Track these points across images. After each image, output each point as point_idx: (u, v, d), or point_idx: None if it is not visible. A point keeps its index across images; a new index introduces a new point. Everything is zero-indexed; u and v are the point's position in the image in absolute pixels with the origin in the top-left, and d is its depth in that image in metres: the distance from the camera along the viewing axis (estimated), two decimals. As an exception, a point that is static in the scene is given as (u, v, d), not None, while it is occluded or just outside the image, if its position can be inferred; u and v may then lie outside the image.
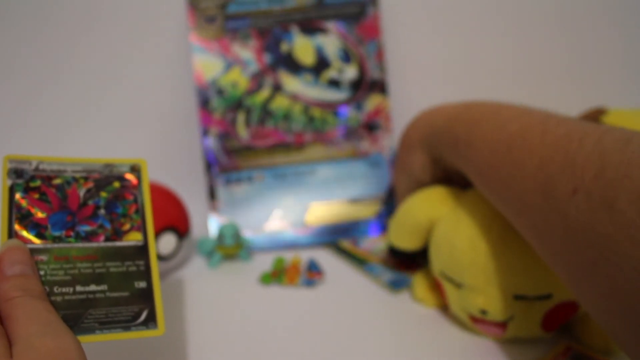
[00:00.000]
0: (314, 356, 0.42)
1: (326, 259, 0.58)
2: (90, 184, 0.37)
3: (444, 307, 0.49)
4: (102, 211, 0.36)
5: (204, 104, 0.61)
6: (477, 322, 0.44)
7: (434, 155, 0.50)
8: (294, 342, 0.44)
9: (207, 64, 0.62)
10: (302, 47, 0.63)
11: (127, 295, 0.33)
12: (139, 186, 0.38)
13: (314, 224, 0.62)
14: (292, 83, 0.62)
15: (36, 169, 0.35)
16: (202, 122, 0.61)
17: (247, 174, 0.61)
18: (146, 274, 0.35)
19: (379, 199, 0.63)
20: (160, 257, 0.52)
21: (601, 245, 0.29)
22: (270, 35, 0.62)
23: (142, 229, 0.37)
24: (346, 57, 0.63)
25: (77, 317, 0.31)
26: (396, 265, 0.56)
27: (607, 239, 0.28)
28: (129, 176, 0.38)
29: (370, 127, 0.63)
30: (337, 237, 0.62)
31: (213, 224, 0.61)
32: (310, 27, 0.63)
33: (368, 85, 0.63)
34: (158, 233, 0.51)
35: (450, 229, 0.45)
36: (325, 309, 0.49)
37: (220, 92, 0.62)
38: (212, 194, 0.61)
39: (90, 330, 0.31)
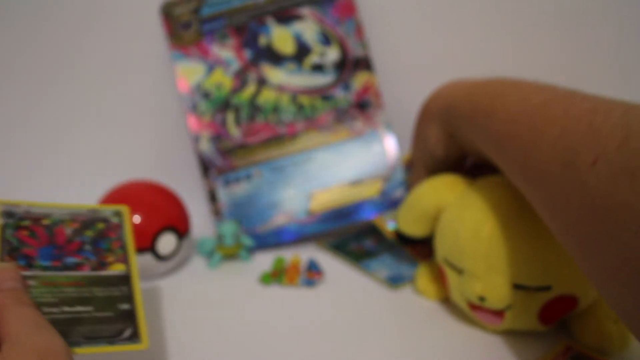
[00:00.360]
0: (315, 356, 0.42)
1: (326, 259, 0.57)
2: (77, 225, 0.40)
3: (445, 301, 0.49)
4: (87, 246, 0.39)
5: (192, 109, 0.61)
6: (475, 310, 0.44)
7: (449, 130, 0.50)
8: (295, 342, 0.44)
9: (189, 70, 0.62)
10: (281, 38, 0.62)
11: (112, 316, 0.35)
12: (121, 228, 0.41)
13: (319, 211, 0.61)
14: (276, 75, 0.62)
15: (26, 212, 0.38)
16: (192, 128, 0.61)
17: (245, 173, 0.61)
18: (129, 298, 0.37)
19: (381, 177, 0.62)
20: (160, 257, 0.53)
21: (619, 215, 0.28)
22: (247, 30, 0.62)
23: (125, 261, 0.39)
24: (326, 40, 0.62)
25: (63, 333, 0.32)
26: (407, 249, 0.56)
27: (626, 208, 0.28)
28: (113, 219, 0.41)
29: (361, 105, 0.62)
30: (344, 221, 0.61)
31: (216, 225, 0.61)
32: (285, 16, 0.62)
33: (352, 64, 0.62)
34: (158, 233, 0.52)
35: (456, 216, 0.46)
36: (326, 308, 0.49)
37: (206, 95, 0.61)
38: (212, 197, 0.61)
39: (76, 344, 0.32)
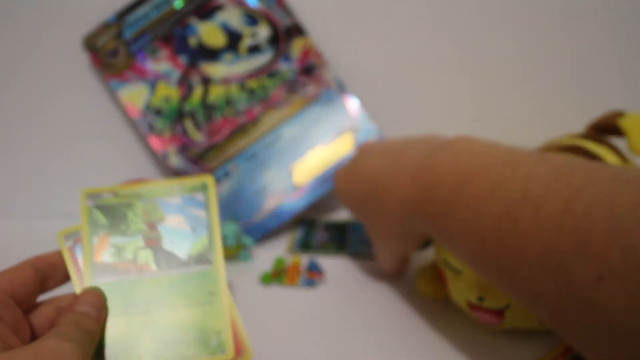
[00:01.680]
0: (315, 356, 0.42)
1: (326, 259, 0.57)
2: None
3: (445, 301, 0.48)
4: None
5: (150, 129, 0.61)
6: (474, 309, 0.43)
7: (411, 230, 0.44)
8: (295, 342, 0.44)
9: (133, 94, 0.61)
10: (209, 33, 0.62)
11: None
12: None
13: (305, 182, 0.62)
14: (217, 70, 0.62)
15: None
16: (157, 147, 0.61)
17: (222, 171, 0.62)
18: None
19: (350, 130, 0.63)
20: None
21: None
22: (175, 37, 0.62)
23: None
24: (252, 20, 0.63)
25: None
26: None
27: None
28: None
29: (307, 70, 0.63)
30: (330, 184, 0.62)
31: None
32: (206, 11, 0.62)
33: (285, 35, 0.63)
34: None
35: None
36: (326, 308, 0.49)
37: (158, 112, 0.61)
38: (201, 205, 0.61)
39: None
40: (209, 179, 0.37)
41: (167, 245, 0.36)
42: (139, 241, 0.35)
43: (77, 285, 0.34)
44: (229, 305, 0.35)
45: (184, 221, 0.36)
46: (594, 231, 0.27)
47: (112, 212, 0.36)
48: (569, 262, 0.28)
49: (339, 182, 0.52)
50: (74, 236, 0.35)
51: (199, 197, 0.37)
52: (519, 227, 0.31)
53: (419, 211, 0.40)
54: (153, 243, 0.36)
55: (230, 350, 0.34)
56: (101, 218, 0.35)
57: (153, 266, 0.35)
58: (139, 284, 0.34)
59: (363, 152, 0.51)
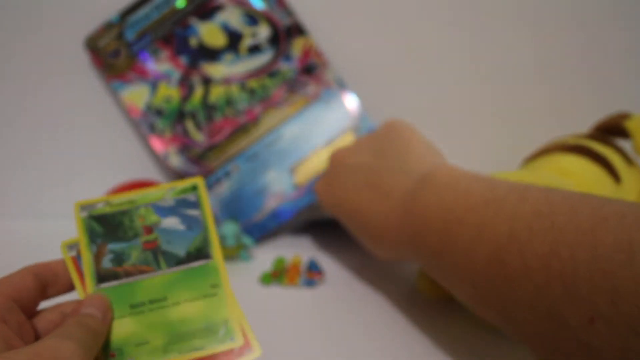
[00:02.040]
0: (315, 356, 0.42)
1: (327, 259, 0.58)
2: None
3: (446, 300, 0.49)
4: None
5: (151, 130, 0.61)
6: None
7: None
8: (295, 342, 0.44)
9: (134, 95, 0.62)
10: (209, 33, 0.63)
11: None
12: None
13: (305, 182, 0.62)
14: (217, 70, 0.62)
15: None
16: (158, 148, 0.61)
17: (222, 172, 0.62)
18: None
19: (350, 129, 0.63)
20: None
21: None
22: (175, 38, 0.62)
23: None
24: (252, 20, 0.63)
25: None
26: None
27: None
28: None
29: (308, 69, 0.63)
30: (331, 182, 0.62)
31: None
32: (206, 11, 0.63)
33: (285, 34, 0.63)
34: None
35: None
36: (326, 308, 0.49)
37: (159, 112, 0.62)
38: (201, 205, 0.61)
39: None
40: (198, 180, 0.38)
41: (165, 246, 0.36)
42: (137, 245, 0.36)
43: (81, 294, 0.35)
44: (233, 296, 0.36)
45: (179, 222, 0.37)
46: (580, 274, 0.27)
47: (107, 220, 0.36)
48: (559, 305, 0.28)
49: (322, 198, 0.53)
50: (76, 246, 0.36)
51: (191, 197, 0.38)
52: (508, 270, 0.31)
53: (412, 254, 0.42)
54: (151, 245, 0.36)
55: (238, 338, 0.34)
56: (97, 227, 0.36)
57: (154, 267, 0.36)
58: (141, 285, 0.35)
59: (337, 167, 0.51)
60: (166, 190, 0.38)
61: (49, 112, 0.65)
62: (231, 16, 0.63)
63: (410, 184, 0.42)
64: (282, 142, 0.62)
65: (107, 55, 0.62)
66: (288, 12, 0.63)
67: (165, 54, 0.62)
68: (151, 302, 0.35)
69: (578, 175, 0.48)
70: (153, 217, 0.37)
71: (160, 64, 0.62)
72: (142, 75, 0.62)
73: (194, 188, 0.38)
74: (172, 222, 0.37)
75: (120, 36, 0.62)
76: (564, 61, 0.67)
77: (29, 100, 0.64)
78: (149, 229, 0.36)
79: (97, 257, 0.35)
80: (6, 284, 0.32)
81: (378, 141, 0.49)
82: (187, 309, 0.35)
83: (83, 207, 0.36)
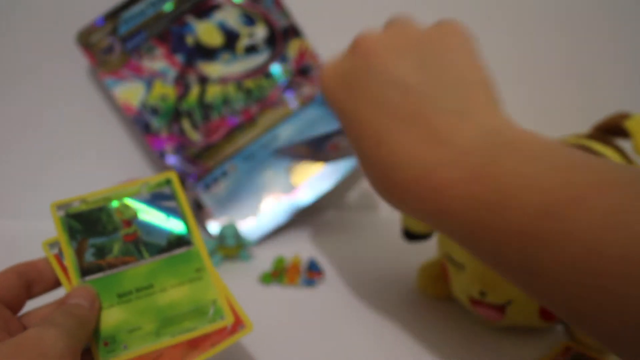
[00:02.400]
0: (315, 356, 0.42)
1: (327, 258, 0.58)
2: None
3: (446, 299, 0.49)
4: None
5: (146, 129, 0.61)
6: (476, 305, 0.43)
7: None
8: (295, 342, 0.44)
9: (128, 92, 0.60)
10: (206, 32, 0.62)
11: None
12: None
13: (302, 182, 0.63)
14: (214, 69, 0.62)
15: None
16: (154, 147, 0.61)
17: (220, 171, 0.62)
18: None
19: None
20: None
21: None
22: (171, 35, 0.62)
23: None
24: (249, 20, 0.63)
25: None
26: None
27: None
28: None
29: (303, 71, 0.64)
30: (328, 182, 0.63)
31: (213, 229, 0.61)
32: (203, 10, 0.62)
33: (281, 35, 0.64)
34: None
35: None
36: (326, 308, 0.49)
37: (154, 111, 0.61)
38: (198, 205, 0.61)
39: None
40: (171, 175, 0.39)
41: (146, 237, 0.37)
42: (118, 238, 0.37)
43: (67, 288, 0.35)
44: (218, 277, 0.37)
45: (156, 213, 0.38)
46: None
47: (85, 217, 0.37)
48: None
49: (330, 95, 0.38)
50: (57, 244, 0.36)
51: (166, 190, 0.39)
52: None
53: (456, 227, 0.31)
54: (131, 238, 0.37)
55: (228, 315, 0.35)
56: (75, 224, 0.36)
57: (136, 257, 0.36)
58: (126, 274, 0.36)
59: (364, 65, 0.36)
60: (140, 185, 0.39)
61: (39, 108, 0.63)
62: (228, 15, 0.63)
63: (476, 137, 0.31)
64: (279, 142, 0.63)
65: (100, 52, 0.60)
66: (285, 13, 0.64)
67: (160, 51, 0.61)
68: (138, 290, 0.35)
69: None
70: (130, 211, 0.38)
71: (155, 62, 0.61)
72: (137, 72, 0.61)
73: (168, 182, 0.39)
74: (150, 215, 0.38)
75: (114, 32, 0.60)
76: (564, 61, 0.68)
77: (19, 96, 0.62)
78: (128, 222, 0.37)
79: (79, 252, 0.36)
80: None
81: (428, 49, 0.36)
82: (174, 293, 0.36)
83: (59, 206, 0.37)
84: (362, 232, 0.64)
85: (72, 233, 0.36)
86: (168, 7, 0.61)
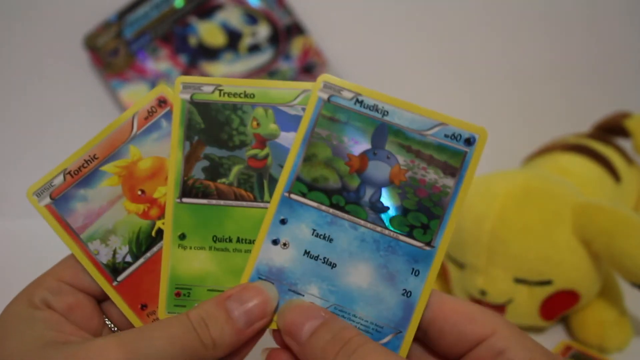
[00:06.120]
0: None
1: None
2: None
3: None
4: None
5: (150, 129, 0.61)
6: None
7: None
8: None
9: (133, 93, 0.61)
10: (209, 32, 0.62)
11: None
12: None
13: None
14: (217, 69, 0.62)
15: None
16: (157, 147, 0.61)
17: (222, 170, 0.62)
18: None
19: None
20: None
21: None
22: (175, 37, 0.62)
23: None
24: (252, 19, 0.63)
25: None
26: None
27: None
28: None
29: (307, 69, 0.63)
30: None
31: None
32: (206, 11, 0.62)
33: (285, 34, 0.63)
34: None
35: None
36: None
37: (158, 111, 0.61)
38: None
39: None
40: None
41: (276, 169, 0.27)
42: (241, 158, 0.27)
43: (72, 247, 0.27)
44: None
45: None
46: None
47: (211, 112, 0.27)
48: None
49: None
50: (47, 190, 0.28)
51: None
52: None
53: None
54: (259, 164, 0.27)
55: None
56: (197, 118, 0.27)
57: (255, 194, 0.27)
58: (233, 214, 0.27)
59: None
60: (297, 92, 0.27)
61: (48, 110, 0.65)
62: (231, 15, 0.63)
63: None
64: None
65: (106, 54, 0.61)
66: (288, 11, 0.63)
67: (164, 52, 0.62)
68: (240, 240, 0.27)
69: (578, 174, 0.48)
70: (271, 125, 0.27)
71: (159, 63, 0.62)
72: (142, 74, 0.62)
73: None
74: (293, 140, 0.27)
75: (119, 35, 0.61)
76: (565, 61, 0.67)
77: (27, 98, 0.64)
78: (262, 140, 0.27)
79: (189, 160, 0.27)
80: (63, 265, 0.28)
81: None
82: None
83: (186, 85, 0.27)
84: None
85: (189, 129, 0.27)
86: (179, 3, 0.62)
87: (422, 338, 0.25)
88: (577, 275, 0.41)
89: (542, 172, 0.47)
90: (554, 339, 0.43)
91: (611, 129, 0.52)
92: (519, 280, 0.42)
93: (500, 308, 0.42)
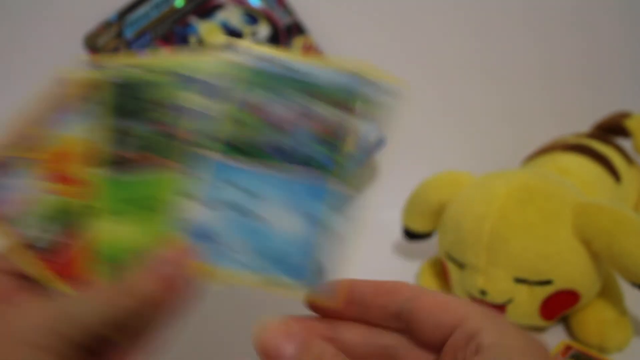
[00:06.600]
0: None
1: None
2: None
3: None
4: None
5: (150, 129, 0.61)
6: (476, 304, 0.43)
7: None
8: None
9: (134, 93, 0.61)
10: (209, 32, 0.63)
11: None
12: None
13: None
14: (217, 69, 0.62)
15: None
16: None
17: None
18: None
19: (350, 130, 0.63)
20: None
21: None
22: (175, 36, 0.62)
23: None
24: (252, 19, 0.63)
25: None
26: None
27: None
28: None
29: (308, 69, 0.63)
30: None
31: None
32: (206, 10, 0.62)
33: (285, 33, 0.63)
34: None
35: (458, 211, 0.45)
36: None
37: (158, 111, 0.61)
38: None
39: None
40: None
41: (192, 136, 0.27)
42: (155, 126, 0.27)
43: None
44: None
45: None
46: None
47: (127, 89, 0.28)
48: None
49: None
50: None
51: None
52: None
53: None
54: (175, 131, 0.27)
55: None
56: (111, 95, 0.28)
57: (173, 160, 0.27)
58: (154, 180, 0.27)
59: None
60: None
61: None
62: (231, 15, 0.63)
63: None
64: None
65: (106, 54, 0.61)
66: (288, 11, 0.63)
67: (165, 52, 0.62)
68: (162, 205, 0.27)
69: (578, 174, 0.48)
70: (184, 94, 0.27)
71: (159, 63, 0.62)
72: (142, 74, 0.62)
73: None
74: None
75: (119, 35, 0.61)
76: (564, 61, 0.67)
77: (27, 98, 0.64)
78: (175, 108, 0.27)
79: (106, 134, 0.28)
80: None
81: None
82: None
83: (96, 65, 0.28)
84: (362, 231, 0.63)
85: (105, 105, 0.28)
86: (179, 3, 0.62)
87: (406, 331, 0.26)
88: (577, 275, 0.42)
89: (542, 172, 0.47)
90: (554, 338, 0.43)
91: (611, 129, 0.52)
92: (519, 280, 0.42)
93: (500, 308, 0.43)
